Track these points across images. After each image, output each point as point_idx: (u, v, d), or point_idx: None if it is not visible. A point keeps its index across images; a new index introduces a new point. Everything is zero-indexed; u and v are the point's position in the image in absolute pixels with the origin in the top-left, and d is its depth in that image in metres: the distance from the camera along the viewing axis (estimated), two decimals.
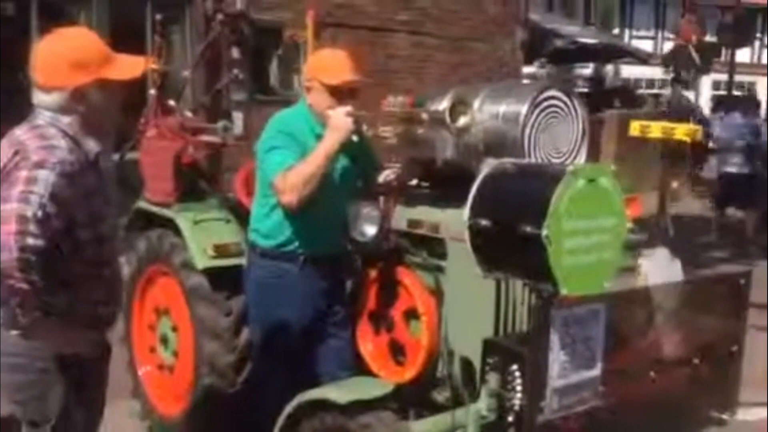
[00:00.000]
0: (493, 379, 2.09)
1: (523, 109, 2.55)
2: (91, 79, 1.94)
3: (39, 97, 1.97)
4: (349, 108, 2.74)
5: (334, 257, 2.94)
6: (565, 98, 2.65)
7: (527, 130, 2.55)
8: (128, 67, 2.06)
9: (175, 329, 3.47)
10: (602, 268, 1.93)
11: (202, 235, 3.23)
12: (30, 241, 1.70)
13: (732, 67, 11.96)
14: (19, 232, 1.70)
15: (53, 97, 1.94)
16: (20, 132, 1.94)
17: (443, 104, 2.57)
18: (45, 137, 1.90)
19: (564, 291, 1.83)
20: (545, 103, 2.60)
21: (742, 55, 14.49)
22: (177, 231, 3.33)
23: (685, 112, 2.50)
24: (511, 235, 1.87)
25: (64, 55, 1.92)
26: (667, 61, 2.64)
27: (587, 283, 1.90)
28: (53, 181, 1.80)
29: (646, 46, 24.25)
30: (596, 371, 2.05)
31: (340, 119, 2.69)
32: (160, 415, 3.59)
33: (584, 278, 1.89)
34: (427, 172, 2.98)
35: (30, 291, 1.71)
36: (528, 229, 1.80)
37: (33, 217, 1.73)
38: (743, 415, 2.56)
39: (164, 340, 3.53)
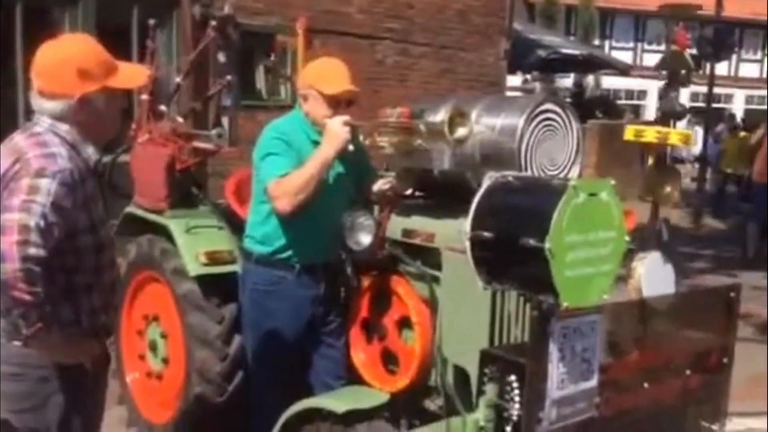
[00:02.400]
0: (491, 390, 2.10)
1: (520, 121, 2.58)
2: (97, 88, 1.93)
3: (40, 104, 1.95)
4: (346, 117, 2.76)
5: (329, 265, 2.94)
6: (560, 111, 2.69)
7: (524, 143, 2.58)
8: (131, 75, 2.07)
9: (164, 336, 3.45)
10: (601, 281, 1.95)
11: (195, 242, 3.22)
12: (32, 250, 1.69)
13: (711, 80, 12.15)
14: (21, 242, 1.68)
15: (57, 104, 1.92)
16: (19, 139, 1.92)
17: (441, 116, 2.59)
18: (45, 145, 1.88)
19: (565, 303, 1.85)
20: (541, 116, 2.63)
21: (720, 68, 14.74)
22: (168, 237, 3.31)
23: (677, 115, 2.55)
24: (513, 248, 1.89)
25: (71, 63, 1.91)
26: (661, 66, 2.69)
27: (587, 295, 1.93)
28: (54, 189, 1.79)
29: (626, 57, 24.59)
30: (593, 382, 2.07)
31: (337, 128, 2.70)
32: (148, 422, 3.56)
33: (584, 290, 1.91)
34: (423, 182, 3.00)
35: (32, 301, 1.70)
36: (530, 242, 1.82)
37: (35, 226, 1.71)
38: (730, 425, 2.60)
39: (153, 347, 3.51)
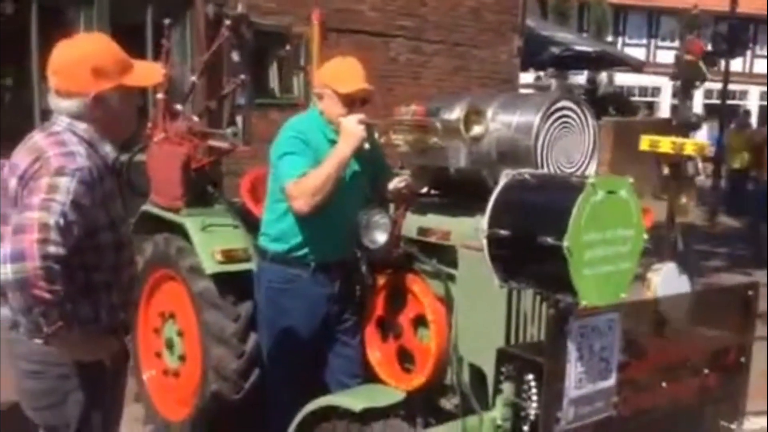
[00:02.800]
0: (507, 389, 2.10)
1: (536, 119, 2.57)
2: (113, 86, 1.94)
3: (57, 103, 1.96)
4: (361, 115, 2.76)
5: (344, 263, 2.95)
6: (576, 109, 2.68)
7: (540, 140, 2.57)
8: (146, 73, 2.07)
9: (180, 334, 3.46)
10: (620, 279, 1.94)
11: (211, 240, 3.24)
12: (52, 249, 1.70)
13: (726, 77, 12.06)
14: (41, 241, 1.69)
15: (73, 102, 1.94)
16: (39, 138, 1.93)
17: (457, 114, 2.59)
18: (64, 144, 1.89)
19: (584, 302, 1.85)
20: (557, 114, 2.62)
21: (734, 64, 14.62)
22: (184, 235, 3.33)
23: (692, 124, 2.54)
24: (531, 246, 1.88)
25: (85, 62, 1.92)
26: (676, 75, 2.69)
27: (605, 293, 1.92)
28: (74, 188, 1.80)
29: (639, 54, 24.42)
30: (611, 381, 2.06)
31: (353, 127, 2.71)
32: (164, 419, 3.58)
33: (602, 289, 1.90)
34: (438, 180, 3.00)
35: (53, 300, 1.71)
36: (548, 240, 1.81)
37: (55, 225, 1.72)
38: (748, 424, 2.59)
39: (170, 345, 3.53)
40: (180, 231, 3.36)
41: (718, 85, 12.50)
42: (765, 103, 24.37)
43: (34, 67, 6.43)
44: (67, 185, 1.79)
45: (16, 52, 6.53)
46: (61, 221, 1.74)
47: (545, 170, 2.54)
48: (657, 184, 2.74)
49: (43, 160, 1.84)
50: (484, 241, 2.02)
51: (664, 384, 2.23)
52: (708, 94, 19.55)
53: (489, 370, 2.47)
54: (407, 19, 9.29)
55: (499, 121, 2.66)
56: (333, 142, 2.78)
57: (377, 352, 3.00)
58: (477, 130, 2.52)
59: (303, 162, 2.71)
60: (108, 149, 2.00)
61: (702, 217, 11.21)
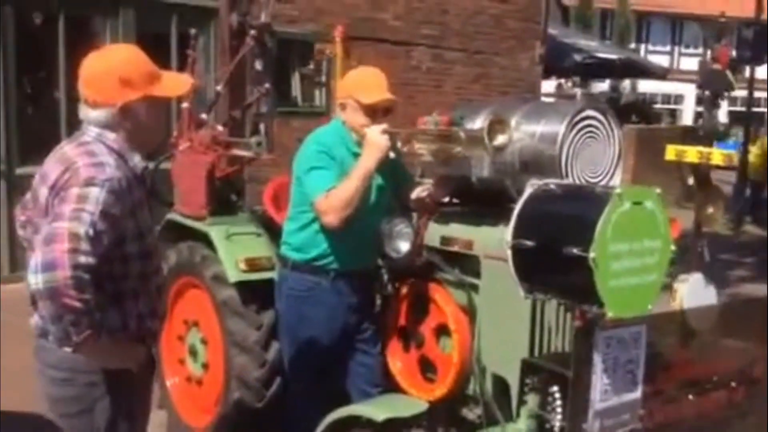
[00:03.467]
0: (532, 400, 2.09)
1: (561, 128, 2.55)
2: (139, 96, 1.96)
3: (86, 113, 1.99)
4: (384, 126, 2.76)
5: (365, 272, 2.95)
6: (601, 118, 2.66)
7: (564, 150, 2.56)
8: (174, 84, 2.09)
9: (204, 341, 3.49)
10: (647, 290, 1.93)
11: (235, 249, 3.26)
12: (82, 258, 1.72)
13: (751, 84, 11.91)
14: (71, 250, 1.71)
15: (101, 113, 1.96)
16: (68, 149, 1.96)
17: (480, 123, 2.58)
18: (93, 154, 1.91)
19: (610, 313, 1.83)
20: (582, 123, 2.61)
21: (760, 71, 14.45)
22: (208, 244, 3.35)
23: (719, 135, 2.52)
24: (556, 257, 1.87)
25: (113, 72, 1.94)
26: (704, 84, 2.66)
27: (632, 304, 1.90)
28: (103, 198, 1.81)
29: (663, 61, 24.24)
30: (637, 394, 2.04)
31: (376, 137, 2.71)
32: (188, 426, 3.60)
33: (629, 300, 1.89)
34: (461, 189, 2.99)
35: (83, 309, 1.72)
36: (574, 251, 1.81)
37: (85, 234, 1.74)
38: None
39: (193, 352, 3.55)
40: (204, 239, 3.38)
41: (743, 93, 12.35)
42: None
43: (61, 76, 6.53)
44: (96, 195, 1.81)
45: (44, 62, 6.64)
46: (91, 231, 1.76)
47: (570, 180, 2.53)
48: (682, 193, 2.71)
49: (73, 170, 1.86)
50: (509, 252, 2.02)
51: (690, 397, 2.21)
52: (732, 101, 19.34)
53: (513, 381, 2.46)
54: (429, 27, 9.31)
55: (523, 131, 2.65)
56: (356, 155, 2.79)
57: (399, 362, 3.00)
58: (501, 139, 2.51)
59: (330, 176, 2.73)
60: (137, 159, 2.02)
61: (727, 226, 11.07)
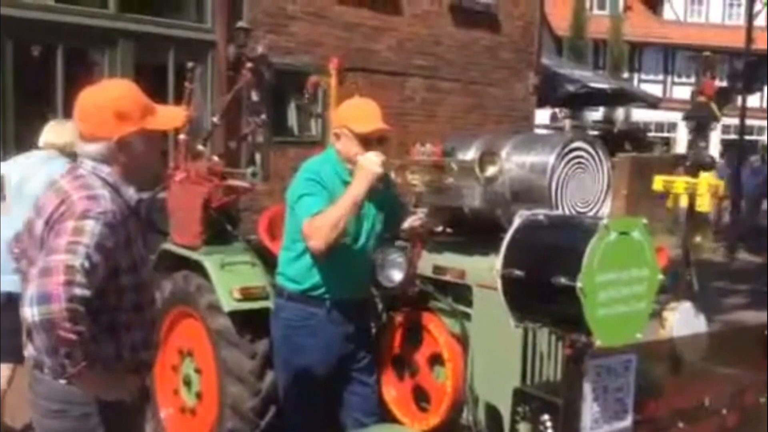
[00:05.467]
0: (524, 428, 2.10)
1: (551, 159, 2.60)
2: (134, 130, 1.99)
3: (82, 147, 2.01)
4: (377, 153, 2.79)
5: (360, 302, 2.97)
6: (590, 149, 2.71)
7: (554, 180, 2.60)
8: (169, 117, 2.12)
9: (198, 371, 3.49)
10: (635, 319, 1.96)
11: (229, 278, 3.28)
12: (77, 291, 1.74)
13: (743, 113, 12.05)
14: (66, 283, 1.73)
15: (97, 146, 1.98)
16: (64, 182, 1.98)
17: (472, 154, 2.63)
18: (89, 187, 1.93)
19: (599, 342, 1.86)
20: (572, 154, 2.66)
21: (752, 99, 14.62)
22: (203, 273, 3.37)
23: (705, 164, 2.56)
24: (545, 286, 1.90)
25: (108, 107, 1.97)
26: (689, 117, 2.72)
27: (621, 333, 1.93)
28: (99, 230, 1.83)
29: (656, 90, 24.48)
30: (627, 422, 2.06)
31: (368, 163, 2.74)
32: None
33: (618, 329, 1.92)
34: (454, 219, 3.03)
35: (77, 341, 1.74)
36: (562, 280, 1.84)
37: (80, 267, 1.76)
38: None
39: (187, 382, 3.55)
40: (199, 269, 3.40)
41: (736, 120, 12.49)
42: None
43: (59, 107, 6.57)
44: (92, 228, 1.83)
45: (42, 94, 6.69)
46: (87, 264, 1.77)
47: (559, 210, 2.57)
48: (671, 221, 2.76)
49: (69, 203, 1.89)
50: (499, 281, 2.05)
51: (681, 424, 2.22)
52: (725, 129, 19.53)
53: (505, 410, 2.47)
54: (423, 58, 9.43)
55: (514, 161, 2.69)
56: (347, 183, 2.82)
57: (393, 391, 3.01)
58: (491, 170, 2.56)
59: (319, 202, 2.75)
60: (131, 192, 2.04)
61: (722, 253, 11.11)
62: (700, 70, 2.96)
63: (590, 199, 2.70)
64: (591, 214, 2.67)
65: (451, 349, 2.81)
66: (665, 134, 26.69)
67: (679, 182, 2.45)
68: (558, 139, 2.73)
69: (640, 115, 24.02)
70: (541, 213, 2.07)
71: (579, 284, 1.81)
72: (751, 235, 12.38)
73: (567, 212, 2.59)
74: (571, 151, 2.65)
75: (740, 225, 12.22)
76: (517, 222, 2.06)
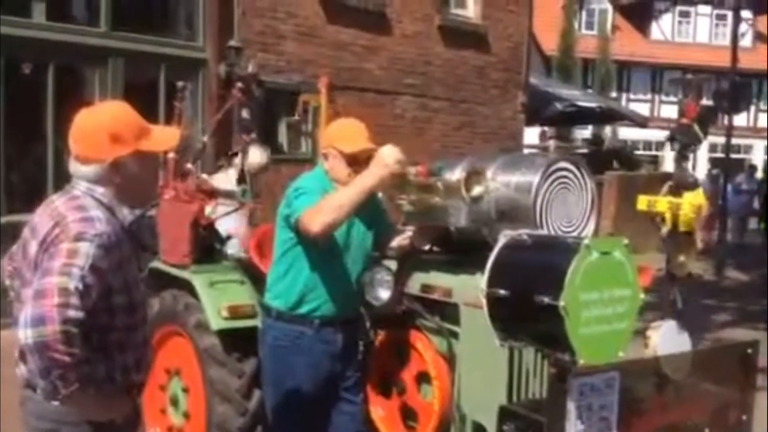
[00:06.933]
0: None
1: (536, 179, 2.64)
2: (129, 151, 2.00)
3: (77, 168, 2.01)
4: (398, 149, 2.73)
5: (348, 321, 2.98)
6: (575, 169, 2.75)
7: (539, 200, 2.64)
8: (163, 138, 2.13)
9: (186, 390, 3.48)
10: (617, 338, 1.98)
11: (217, 297, 3.28)
12: (72, 313, 1.74)
13: (729, 131, 12.19)
14: (61, 305, 1.73)
15: (91, 168, 1.99)
16: (59, 203, 1.98)
17: (458, 174, 2.66)
18: (84, 208, 1.93)
19: (581, 360, 1.88)
20: (556, 174, 2.69)
21: (739, 118, 14.83)
22: (192, 292, 3.38)
23: (689, 185, 2.60)
24: (529, 306, 1.93)
25: (103, 128, 1.98)
26: (672, 139, 2.76)
27: (603, 352, 1.95)
28: (93, 253, 1.84)
29: (643, 109, 24.73)
30: None
31: (385, 155, 2.68)
32: None
33: (600, 347, 1.94)
34: (440, 238, 3.05)
35: (71, 363, 1.74)
36: (545, 299, 1.86)
37: (75, 289, 1.76)
38: None
39: (174, 402, 3.54)
40: (187, 287, 3.41)
41: (722, 139, 12.63)
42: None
43: (49, 125, 6.59)
44: (86, 251, 1.83)
45: (32, 110, 6.70)
46: (81, 286, 1.78)
47: (544, 230, 2.60)
48: (660, 239, 2.79)
49: (63, 225, 1.88)
50: (484, 300, 2.07)
51: None
52: (713, 147, 19.74)
53: (491, 428, 2.49)
54: (414, 77, 9.51)
55: (500, 181, 2.73)
56: None
57: (380, 409, 3.01)
58: (477, 190, 2.59)
59: (315, 199, 2.72)
60: (125, 212, 2.05)
61: (710, 271, 11.17)
62: (683, 91, 3.00)
63: (575, 218, 2.73)
64: (576, 233, 2.70)
65: (438, 367, 2.83)
66: (653, 152, 26.92)
67: (662, 201, 2.48)
68: (542, 159, 2.76)
69: (629, 133, 24.25)
70: (524, 233, 2.10)
71: (561, 303, 1.83)
72: (737, 253, 12.48)
73: (552, 231, 2.62)
74: (555, 171, 2.69)
75: (726, 243, 12.31)
76: (501, 242, 2.09)
